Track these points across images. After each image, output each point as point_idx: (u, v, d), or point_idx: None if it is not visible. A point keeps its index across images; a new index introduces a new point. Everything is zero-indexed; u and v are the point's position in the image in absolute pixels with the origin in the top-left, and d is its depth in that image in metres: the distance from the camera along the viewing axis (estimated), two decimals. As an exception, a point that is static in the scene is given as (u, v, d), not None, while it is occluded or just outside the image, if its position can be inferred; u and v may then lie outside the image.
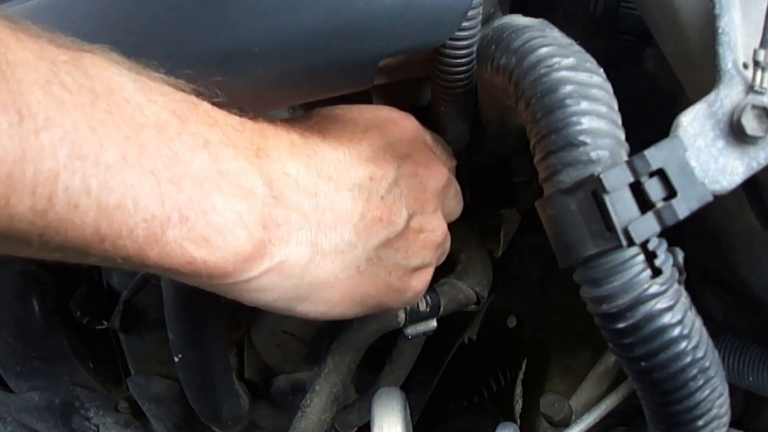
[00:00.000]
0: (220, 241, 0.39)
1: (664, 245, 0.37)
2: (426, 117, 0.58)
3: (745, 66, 0.39)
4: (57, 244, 0.35)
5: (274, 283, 0.43)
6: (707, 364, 0.37)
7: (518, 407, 0.99)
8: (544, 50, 0.40)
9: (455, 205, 0.57)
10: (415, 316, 0.63)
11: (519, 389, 0.99)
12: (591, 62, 0.40)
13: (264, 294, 0.44)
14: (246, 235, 0.40)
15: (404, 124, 0.53)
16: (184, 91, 0.41)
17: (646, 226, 0.35)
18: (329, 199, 0.46)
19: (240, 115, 0.44)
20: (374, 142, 0.50)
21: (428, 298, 0.63)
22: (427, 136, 0.56)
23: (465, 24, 0.48)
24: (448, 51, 0.50)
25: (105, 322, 0.79)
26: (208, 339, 0.70)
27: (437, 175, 0.53)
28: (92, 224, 0.35)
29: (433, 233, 0.52)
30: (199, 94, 0.42)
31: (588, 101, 0.37)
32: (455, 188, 0.56)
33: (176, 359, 0.70)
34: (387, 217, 0.48)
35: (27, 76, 0.32)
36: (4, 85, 0.31)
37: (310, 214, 0.44)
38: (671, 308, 0.36)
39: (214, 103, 0.42)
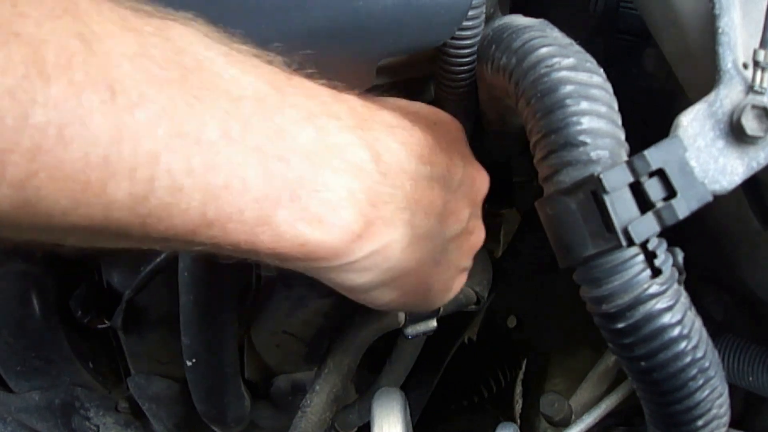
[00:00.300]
0: (334, 219, 0.37)
1: (664, 245, 0.37)
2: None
3: (745, 66, 0.39)
4: (159, 233, 0.32)
5: (376, 265, 0.41)
6: (707, 364, 0.37)
7: (518, 407, 0.99)
8: (544, 50, 0.40)
9: None
10: (415, 316, 0.63)
11: (519, 389, 0.99)
12: (591, 62, 0.40)
13: (361, 275, 0.41)
14: (357, 214, 0.38)
15: (458, 127, 0.52)
16: (273, 62, 0.38)
17: (646, 226, 0.35)
18: (425, 183, 0.43)
19: (332, 87, 0.41)
20: (445, 136, 0.48)
21: (428, 298, 0.62)
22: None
23: (469, 23, 0.48)
24: (452, 50, 0.50)
25: (106, 321, 0.79)
26: (224, 344, 0.70)
27: (486, 183, 0.51)
28: (199, 208, 0.32)
29: (479, 237, 0.51)
30: (288, 66, 0.39)
31: (588, 101, 0.37)
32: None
33: (189, 363, 0.69)
34: (457, 213, 0.47)
35: (115, 47, 0.30)
36: (92, 58, 0.29)
37: (410, 195, 0.42)
38: (671, 308, 0.36)
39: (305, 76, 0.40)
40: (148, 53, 0.31)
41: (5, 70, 0.27)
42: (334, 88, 0.41)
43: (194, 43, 0.34)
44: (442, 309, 0.64)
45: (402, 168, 0.42)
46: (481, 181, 0.51)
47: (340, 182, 0.37)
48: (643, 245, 0.36)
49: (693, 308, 0.37)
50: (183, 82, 0.32)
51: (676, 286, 0.37)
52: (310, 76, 0.40)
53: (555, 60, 0.39)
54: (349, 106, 0.41)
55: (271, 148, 0.34)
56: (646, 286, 0.35)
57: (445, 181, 0.45)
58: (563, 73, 0.38)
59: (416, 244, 0.43)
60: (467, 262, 0.51)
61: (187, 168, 0.31)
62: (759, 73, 0.38)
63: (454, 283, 0.50)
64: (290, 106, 0.36)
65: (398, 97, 0.58)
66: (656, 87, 0.57)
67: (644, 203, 0.35)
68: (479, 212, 0.51)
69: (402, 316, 0.63)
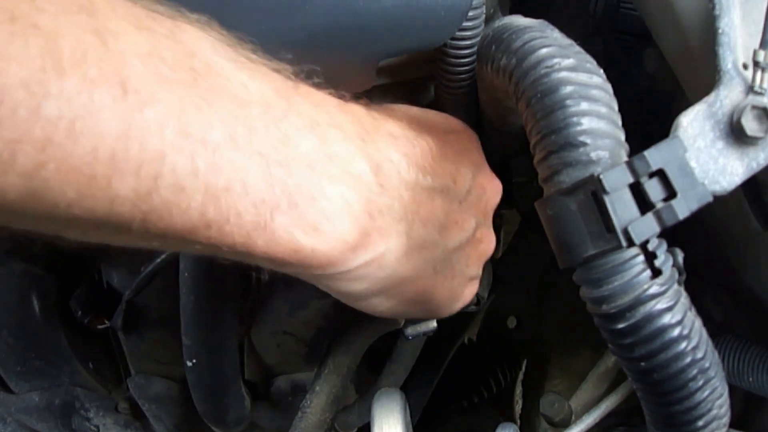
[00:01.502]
0: (329, 229, 0.37)
1: (664, 246, 0.37)
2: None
3: (745, 66, 0.39)
4: (159, 230, 0.33)
5: (370, 274, 0.41)
6: (707, 365, 0.37)
7: (518, 407, 0.99)
8: (544, 51, 0.40)
9: None
10: (415, 316, 0.63)
11: (519, 389, 1.00)
12: (591, 63, 0.40)
13: (356, 283, 0.42)
14: (353, 224, 0.38)
15: (471, 135, 0.52)
16: (281, 71, 0.39)
17: (646, 227, 0.35)
18: (425, 194, 0.44)
19: (339, 96, 0.42)
20: (455, 146, 0.48)
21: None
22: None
23: (469, 24, 0.48)
24: (450, 51, 0.50)
25: (106, 322, 0.79)
26: (224, 344, 0.70)
27: (498, 193, 0.52)
28: (198, 208, 0.33)
29: (488, 246, 0.51)
30: (295, 75, 0.40)
31: (588, 102, 0.37)
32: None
33: (189, 364, 0.69)
34: (461, 223, 0.47)
35: (129, 46, 0.30)
36: (107, 55, 0.29)
37: (408, 206, 0.42)
38: (671, 309, 0.36)
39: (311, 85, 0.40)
40: (160, 54, 0.32)
41: (22, 61, 0.27)
42: (341, 97, 0.42)
43: (205, 47, 0.35)
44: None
45: (401, 179, 0.42)
46: (492, 191, 0.51)
47: (337, 192, 0.38)
48: (643, 246, 0.36)
49: (693, 309, 0.37)
50: (192, 84, 0.32)
51: (676, 286, 0.37)
52: (317, 86, 0.41)
53: (555, 61, 0.39)
54: (353, 116, 0.42)
55: (274, 154, 0.35)
56: (646, 286, 0.35)
57: (448, 192, 0.46)
58: (563, 74, 0.38)
59: (413, 254, 0.43)
60: (476, 270, 0.51)
61: (191, 168, 0.32)
62: (759, 73, 0.38)
63: (462, 291, 0.50)
64: (295, 114, 0.37)
65: (398, 97, 0.58)
66: (656, 87, 0.57)
67: (644, 204, 0.35)
68: (489, 222, 0.51)
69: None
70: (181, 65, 0.32)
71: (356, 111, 0.42)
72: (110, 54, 0.29)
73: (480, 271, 0.52)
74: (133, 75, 0.30)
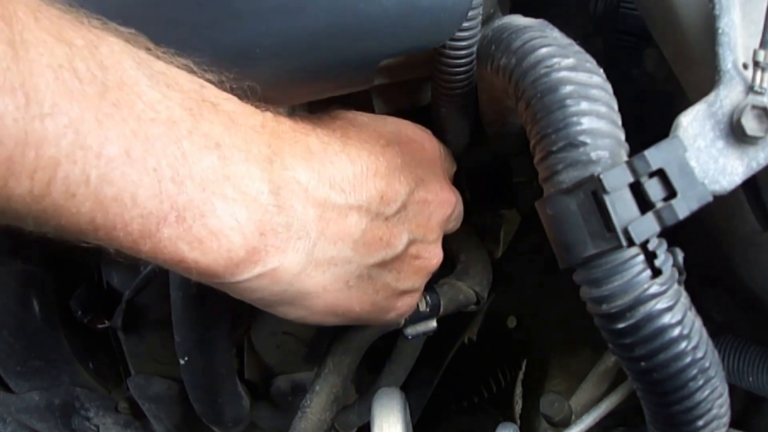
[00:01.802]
0: (214, 245, 0.39)
1: (664, 245, 0.37)
2: (426, 117, 0.58)
3: (745, 66, 0.39)
4: (51, 228, 0.35)
5: (263, 287, 0.43)
6: (707, 365, 0.37)
7: (518, 407, 0.99)
8: (544, 50, 0.40)
9: (455, 225, 0.57)
10: (415, 316, 0.63)
11: (519, 389, 0.99)
12: (591, 62, 0.40)
13: (250, 293, 0.44)
14: (241, 241, 0.40)
15: (425, 145, 0.53)
16: (214, 86, 0.41)
17: (646, 227, 0.35)
18: (336, 211, 0.45)
19: (264, 112, 0.43)
20: (393, 159, 0.49)
21: (428, 298, 0.62)
22: (443, 155, 0.55)
23: (465, 24, 0.48)
24: (448, 52, 0.50)
25: (106, 322, 0.79)
26: (215, 342, 0.70)
27: (445, 206, 0.52)
28: (88, 214, 0.35)
29: (429, 261, 0.52)
30: (232, 91, 0.41)
31: (588, 101, 0.37)
32: (459, 211, 0.56)
33: (182, 362, 0.70)
34: (387, 239, 0.48)
35: (41, 57, 0.32)
36: (15, 65, 0.31)
37: (313, 224, 0.44)
38: (671, 308, 0.36)
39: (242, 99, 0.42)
40: (72, 66, 0.33)
41: None
42: (265, 112, 0.43)
43: (123, 61, 0.36)
44: (442, 309, 0.64)
45: (308, 197, 0.43)
46: (437, 205, 0.52)
47: (228, 210, 0.39)
48: (643, 245, 0.36)
49: (693, 308, 0.37)
50: (99, 97, 0.34)
51: (676, 286, 0.37)
52: (254, 105, 0.42)
53: (555, 60, 0.39)
54: (269, 136, 0.43)
55: (168, 171, 0.37)
56: (646, 286, 0.35)
57: (368, 209, 0.47)
58: (563, 74, 0.38)
59: (316, 270, 0.45)
60: (411, 284, 0.52)
61: (84, 178, 0.34)
62: (759, 73, 0.38)
63: (392, 304, 0.52)
64: (199, 134, 0.38)
65: (398, 97, 0.58)
66: (656, 87, 0.57)
67: (644, 203, 0.35)
68: (431, 236, 0.52)
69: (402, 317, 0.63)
70: (92, 78, 0.34)
71: (276, 128, 0.44)
72: (19, 64, 0.31)
73: (419, 284, 0.53)
74: (41, 86, 0.32)
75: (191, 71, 0.40)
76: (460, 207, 0.56)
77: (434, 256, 0.53)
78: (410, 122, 0.54)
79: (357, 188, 0.46)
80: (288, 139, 0.44)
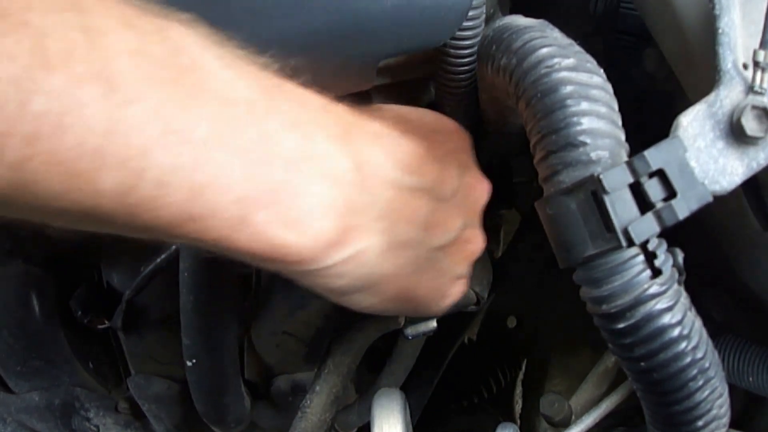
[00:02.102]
0: (310, 226, 0.38)
1: (664, 246, 0.37)
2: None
3: (745, 66, 0.39)
4: (143, 223, 0.34)
5: (349, 271, 0.42)
6: (707, 365, 0.37)
7: (518, 407, 0.99)
8: (544, 51, 0.40)
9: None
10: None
11: (519, 389, 0.99)
12: (591, 63, 0.40)
13: (336, 279, 0.42)
14: (333, 221, 0.39)
15: (462, 135, 0.53)
16: (266, 69, 0.39)
17: (646, 227, 0.35)
18: (408, 193, 0.44)
19: (324, 96, 0.42)
20: (442, 146, 0.49)
21: (428, 298, 0.62)
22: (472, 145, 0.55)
23: (469, 24, 0.48)
24: (450, 51, 0.50)
25: (106, 322, 0.79)
26: (224, 344, 0.70)
27: (486, 192, 0.52)
28: (182, 203, 0.33)
29: (477, 246, 0.52)
30: (282, 74, 0.40)
31: (588, 102, 0.37)
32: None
33: (189, 364, 0.70)
34: (447, 222, 0.48)
35: (116, 44, 0.31)
36: (94, 52, 0.30)
37: (390, 204, 0.43)
38: (671, 309, 0.36)
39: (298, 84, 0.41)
40: (146, 51, 0.32)
41: (12, 57, 0.28)
42: (326, 96, 0.42)
43: (191, 45, 0.35)
44: (442, 309, 0.64)
45: (384, 178, 0.43)
46: (480, 191, 0.52)
47: (318, 190, 0.39)
48: (643, 246, 0.36)
49: (693, 309, 0.37)
50: (178, 81, 0.33)
51: (676, 286, 0.37)
52: (303, 84, 0.41)
53: (555, 60, 0.39)
54: (337, 115, 0.42)
55: (256, 151, 0.36)
56: (646, 286, 0.35)
57: (432, 191, 0.46)
58: (563, 74, 0.38)
59: (394, 252, 0.44)
60: (462, 269, 0.52)
61: (175, 164, 0.33)
62: (759, 73, 0.38)
63: (448, 289, 0.51)
64: (278, 113, 0.38)
65: (398, 97, 0.58)
66: (656, 87, 0.57)
67: (644, 204, 0.35)
68: (477, 221, 0.52)
69: (402, 317, 0.63)
70: (168, 62, 0.33)
71: (339, 111, 0.43)
72: (97, 51, 0.30)
73: (467, 271, 0.53)
74: (120, 72, 0.31)
75: (248, 60, 0.39)
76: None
77: (481, 241, 0.52)
78: (441, 115, 0.54)
79: (422, 171, 0.46)
80: (354, 121, 0.43)
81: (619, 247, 0.35)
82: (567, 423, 0.71)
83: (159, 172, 0.32)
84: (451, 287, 0.52)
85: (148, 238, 0.36)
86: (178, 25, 0.35)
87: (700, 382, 0.37)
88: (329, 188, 0.39)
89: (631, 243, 0.35)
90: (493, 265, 0.74)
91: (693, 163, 0.37)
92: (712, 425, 0.38)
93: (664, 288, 0.36)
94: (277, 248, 0.38)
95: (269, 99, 0.38)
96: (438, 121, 0.52)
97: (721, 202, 0.38)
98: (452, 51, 0.50)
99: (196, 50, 0.35)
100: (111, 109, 0.30)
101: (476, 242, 0.52)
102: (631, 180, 0.35)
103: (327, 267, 0.41)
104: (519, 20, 0.46)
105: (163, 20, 0.35)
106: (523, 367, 0.98)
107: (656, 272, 0.36)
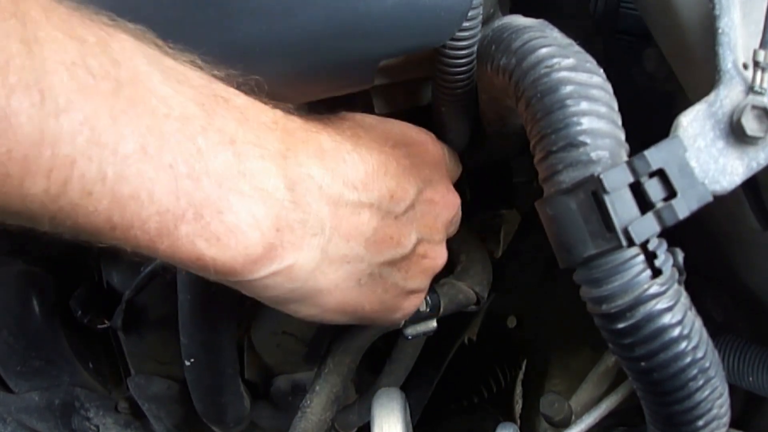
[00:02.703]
0: (232, 241, 0.39)
1: (664, 246, 0.37)
2: (426, 117, 0.58)
3: (745, 66, 0.39)
4: (67, 227, 0.35)
5: (278, 284, 0.43)
6: (707, 365, 0.37)
7: (518, 407, 0.99)
8: (544, 51, 0.40)
9: (454, 229, 0.57)
10: (415, 316, 0.62)
11: (519, 389, 0.99)
12: (591, 62, 0.40)
13: (265, 291, 0.44)
14: (258, 238, 0.40)
15: (430, 148, 0.53)
16: (215, 85, 0.40)
17: (646, 227, 0.35)
18: (349, 209, 0.45)
19: (273, 108, 0.43)
20: (401, 160, 0.49)
21: (428, 298, 0.62)
22: (446, 158, 0.55)
23: (466, 24, 0.48)
24: (449, 51, 0.50)
25: (106, 321, 0.79)
26: (221, 343, 0.70)
27: (451, 207, 0.52)
28: (104, 212, 0.34)
29: (435, 261, 0.52)
30: (239, 86, 0.41)
31: (588, 101, 0.37)
32: (460, 215, 0.56)
33: (187, 363, 0.70)
34: (397, 238, 0.48)
35: (54, 55, 0.32)
36: (30, 62, 0.31)
37: (327, 221, 0.44)
38: (671, 309, 0.36)
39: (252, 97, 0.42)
40: (85, 63, 0.33)
41: None
42: (284, 110, 0.43)
43: (134, 58, 0.36)
44: (442, 309, 0.64)
45: (322, 194, 0.43)
46: (443, 206, 0.52)
47: (245, 207, 0.39)
48: (644, 245, 0.36)
49: (693, 309, 0.37)
50: (113, 94, 0.34)
51: (676, 286, 0.37)
52: (261, 99, 0.42)
53: (555, 60, 0.39)
54: (282, 132, 0.43)
55: (185, 167, 0.36)
56: (646, 286, 0.35)
57: (380, 207, 0.47)
58: (563, 74, 0.38)
59: (329, 267, 0.45)
60: (418, 284, 0.52)
61: (101, 176, 0.33)
62: (759, 73, 0.38)
63: (399, 303, 0.52)
64: (214, 130, 0.38)
65: (398, 97, 0.58)
66: (656, 87, 0.57)
67: (644, 203, 0.35)
68: (437, 236, 0.52)
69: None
70: (106, 75, 0.34)
71: (287, 126, 0.43)
72: (33, 61, 0.31)
73: (424, 285, 0.53)
74: (55, 83, 0.31)
75: (198, 67, 0.40)
76: (460, 211, 0.56)
77: (440, 256, 0.53)
78: (413, 125, 0.54)
79: (368, 186, 0.46)
80: (300, 136, 0.44)
81: (620, 247, 0.35)
82: (567, 423, 0.71)
83: (83, 182, 0.33)
84: (403, 301, 0.52)
85: (74, 239, 0.37)
86: (125, 37, 0.36)
87: (701, 382, 0.37)
88: (257, 205, 0.40)
89: (631, 243, 0.35)
90: (493, 265, 0.74)
91: (693, 163, 0.37)
92: (713, 425, 0.38)
93: (664, 288, 0.36)
94: (198, 261, 0.39)
95: (206, 116, 0.38)
96: (403, 133, 0.52)
97: (721, 202, 0.38)
98: (450, 51, 0.50)
99: (138, 63, 0.36)
100: (41, 118, 0.31)
101: (435, 257, 0.52)
102: (631, 180, 0.35)
103: (254, 280, 0.42)
104: (518, 20, 0.46)
105: (108, 31, 0.35)
106: (523, 367, 0.98)
107: (656, 272, 0.36)
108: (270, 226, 0.40)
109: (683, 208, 0.35)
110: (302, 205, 0.42)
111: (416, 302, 0.54)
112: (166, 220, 0.36)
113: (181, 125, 0.36)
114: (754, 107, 0.37)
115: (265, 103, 0.43)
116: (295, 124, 0.44)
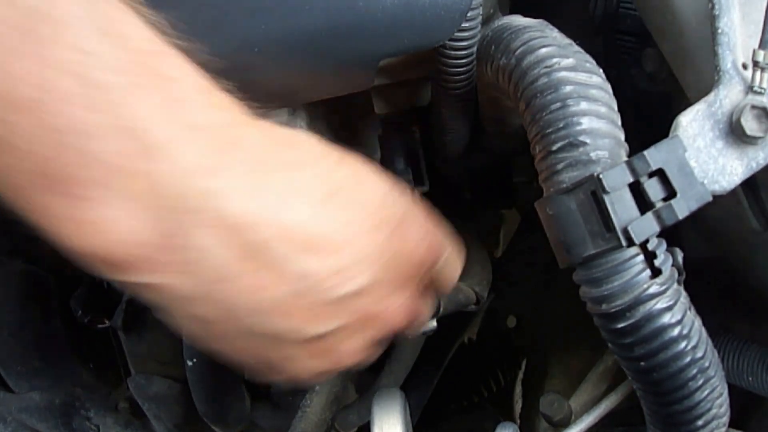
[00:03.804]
0: (103, 235, 0.34)
1: (664, 245, 0.37)
2: (426, 117, 0.58)
3: (745, 66, 0.39)
4: None
5: (146, 296, 0.37)
6: (706, 364, 0.37)
7: (518, 407, 0.99)
8: (543, 51, 0.40)
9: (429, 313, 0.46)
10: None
11: (519, 389, 0.99)
12: (590, 63, 0.40)
13: (138, 293, 0.38)
14: (129, 246, 0.35)
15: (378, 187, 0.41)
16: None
17: (646, 226, 0.35)
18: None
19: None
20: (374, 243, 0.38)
21: (428, 298, 0.62)
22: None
23: (465, 24, 0.48)
24: (448, 51, 0.50)
25: (106, 321, 0.79)
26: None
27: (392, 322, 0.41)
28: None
29: (343, 357, 0.41)
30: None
31: (588, 101, 0.37)
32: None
33: (189, 363, 0.70)
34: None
35: None
36: None
37: (206, 261, 0.36)
38: (671, 308, 0.36)
39: None
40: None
41: None
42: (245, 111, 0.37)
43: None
44: (441, 309, 0.64)
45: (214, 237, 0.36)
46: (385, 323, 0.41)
47: (127, 210, 0.35)
48: (643, 245, 0.36)
49: (693, 309, 0.38)
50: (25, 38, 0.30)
51: (675, 286, 0.37)
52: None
53: (554, 60, 0.39)
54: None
55: (76, 136, 0.32)
56: (645, 286, 0.35)
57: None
58: (563, 74, 0.39)
59: (200, 304, 0.37)
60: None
61: None
62: (758, 73, 0.38)
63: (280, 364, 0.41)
64: (141, 101, 0.34)
65: (398, 97, 0.58)
66: (656, 87, 0.57)
67: (644, 203, 0.35)
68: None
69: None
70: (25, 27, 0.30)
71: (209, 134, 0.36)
72: None
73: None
74: None
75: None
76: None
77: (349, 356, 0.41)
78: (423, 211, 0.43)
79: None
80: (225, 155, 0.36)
81: (619, 246, 0.35)
82: (567, 423, 0.71)
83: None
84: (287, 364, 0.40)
85: None
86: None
87: (700, 382, 0.37)
88: (142, 215, 0.34)
89: (630, 243, 0.35)
90: (493, 265, 0.74)
91: (693, 163, 0.37)
92: (712, 424, 0.38)
93: (663, 288, 0.36)
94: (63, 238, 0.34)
95: (138, 85, 0.33)
96: (395, 211, 0.40)
97: (720, 202, 0.38)
98: (450, 52, 0.50)
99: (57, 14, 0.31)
100: None
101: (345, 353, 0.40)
102: (630, 180, 0.35)
103: (119, 281, 0.36)
104: (518, 20, 0.46)
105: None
106: (523, 367, 0.98)
107: (656, 272, 0.36)
108: (146, 240, 0.35)
109: (683, 208, 0.35)
110: (190, 235, 0.35)
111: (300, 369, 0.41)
112: (38, 183, 0.32)
113: (105, 94, 0.32)
114: (753, 107, 0.37)
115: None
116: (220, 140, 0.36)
